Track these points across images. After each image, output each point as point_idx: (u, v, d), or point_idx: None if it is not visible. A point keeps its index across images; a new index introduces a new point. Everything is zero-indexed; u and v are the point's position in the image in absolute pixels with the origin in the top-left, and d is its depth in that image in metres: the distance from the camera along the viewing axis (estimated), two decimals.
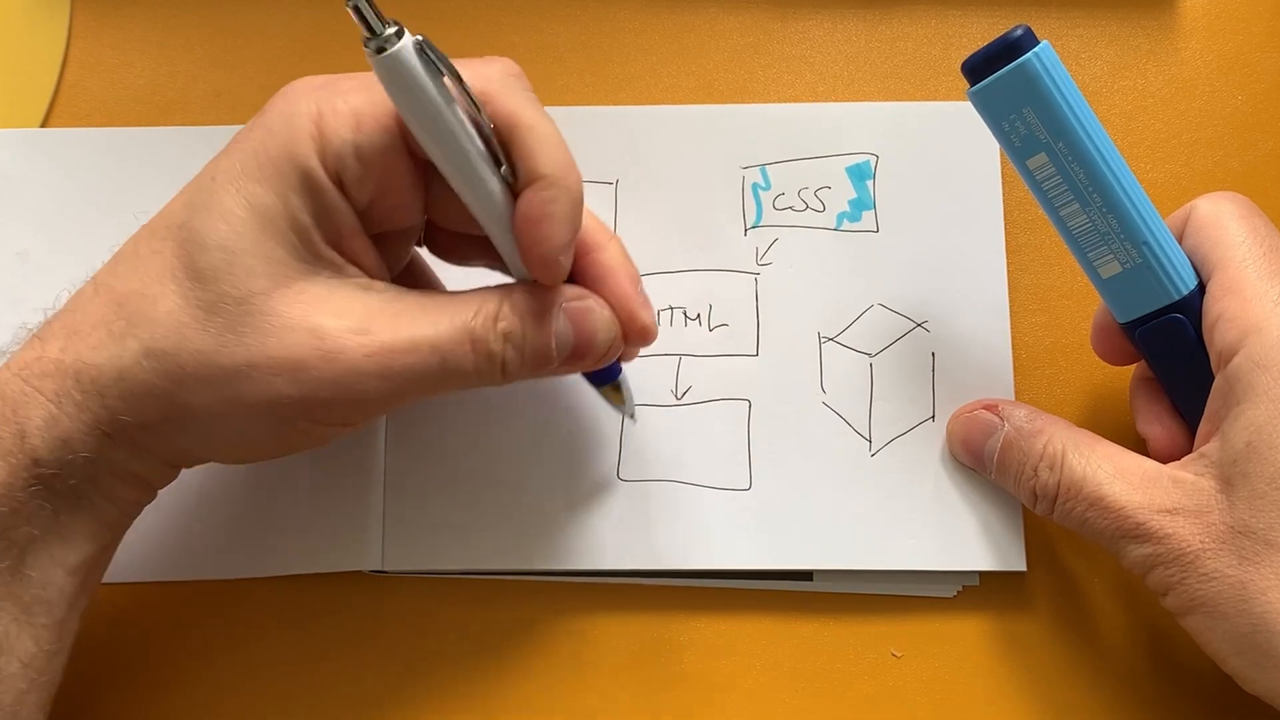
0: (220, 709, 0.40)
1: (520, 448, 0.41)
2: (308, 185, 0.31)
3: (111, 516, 0.33)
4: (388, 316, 0.32)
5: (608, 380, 0.38)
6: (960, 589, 0.40)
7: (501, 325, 0.33)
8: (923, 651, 0.40)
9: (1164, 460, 0.35)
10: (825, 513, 0.40)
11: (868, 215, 0.43)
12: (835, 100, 0.45)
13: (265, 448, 0.34)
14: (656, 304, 0.40)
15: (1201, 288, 0.35)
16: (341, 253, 0.33)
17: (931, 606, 0.40)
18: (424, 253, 0.39)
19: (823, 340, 0.42)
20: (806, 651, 0.40)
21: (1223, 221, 0.35)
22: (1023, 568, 0.39)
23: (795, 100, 0.45)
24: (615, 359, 0.36)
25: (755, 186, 0.43)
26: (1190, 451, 0.35)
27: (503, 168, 0.32)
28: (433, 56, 0.30)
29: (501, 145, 0.32)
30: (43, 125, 0.46)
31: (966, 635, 0.40)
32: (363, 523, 0.40)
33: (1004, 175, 0.43)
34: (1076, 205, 0.34)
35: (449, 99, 0.31)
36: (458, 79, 0.31)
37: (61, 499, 0.32)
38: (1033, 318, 0.43)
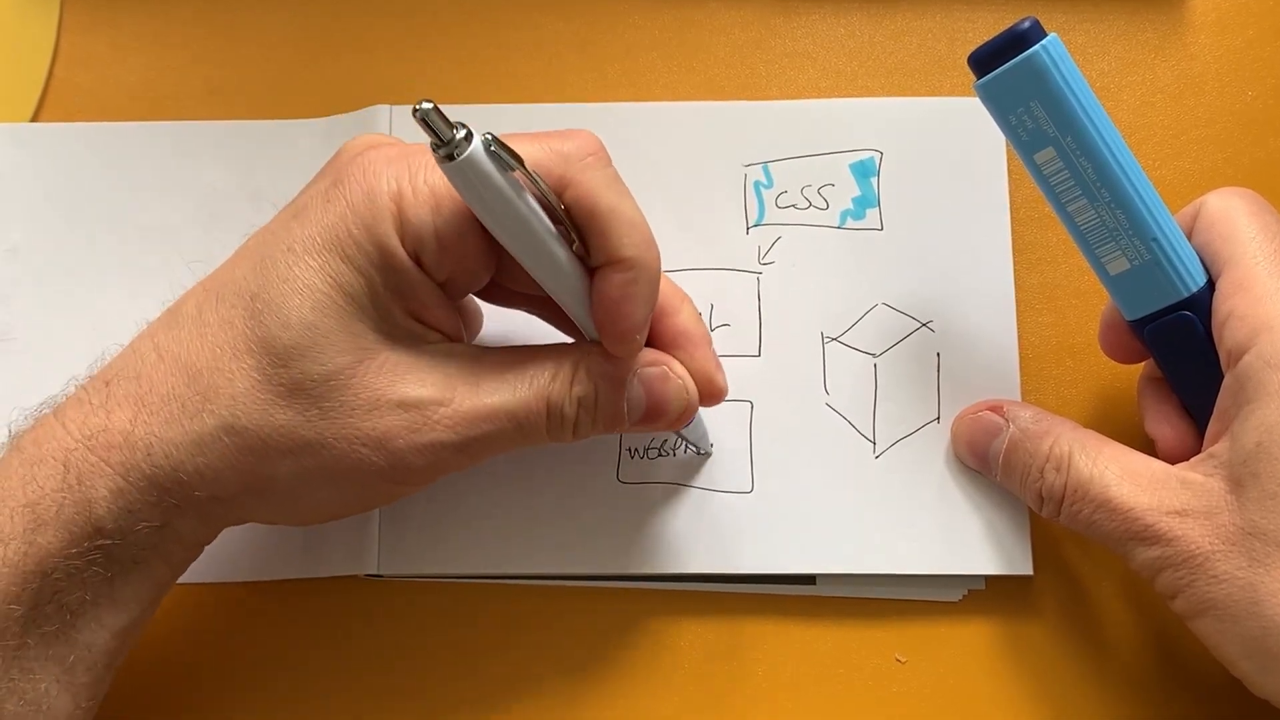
0: (214, 713, 0.40)
1: (522, 451, 0.38)
2: (389, 264, 0.31)
3: (164, 578, 0.34)
4: (468, 384, 0.32)
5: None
6: (965, 593, 0.40)
7: (576, 390, 0.33)
8: (927, 657, 0.39)
9: (1172, 461, 0.35)
10: (828, 516, 0.39)
11: (872, 213, 0.43)
12: (839, 96, 0.44)
13: (340, 510, 0.34)
14: None
15: (1211, 285, 0.35)
16: (422, 322, 0.33)
17: (936, 611, 0.40)
18: None
19: (826, 340, 0.41)
20: (808, 656, 0.39)
21: (1233, 217, 0.35)
22: (1029, 571, 0.39)
23: (798, 96, 0.44)
24: (688, 423, 0.36)
25: (757, 184, 0.43)
26: (1199, 452, 0.34)
27: (575, 245, 0.32)
28: (501, 153, 0.30)
29: (578, 226, 0.32)
30: (32, 120, 0.45)
31: (972, 640, 0.39)
32: (358, 527, 0.40)
33: (1010, 172, 0.42)
34: (1084, 201, 0.34)
35: (519, 190, 0.31)
36: (525, 171, 0.30)
37: (119, 565, 0.32)
38: (1039, 317, 0.42)
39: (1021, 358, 0.41)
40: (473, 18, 0.46)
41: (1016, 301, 0.41)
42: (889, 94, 0.44)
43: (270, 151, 0.43)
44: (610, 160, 0.33)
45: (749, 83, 0.45)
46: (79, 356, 0.39)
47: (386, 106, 0.44)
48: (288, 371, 0.31)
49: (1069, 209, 0.35)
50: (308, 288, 0.31)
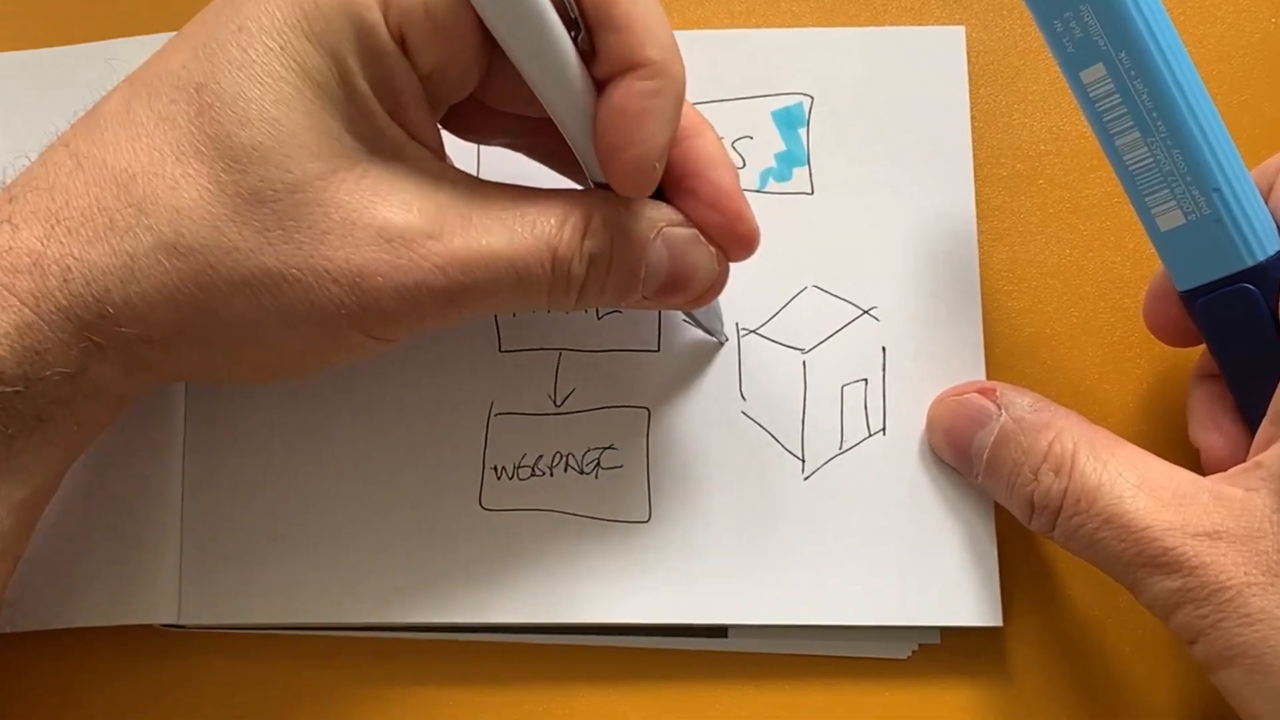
0: None
1: (355, 469, 0.37)
2: (367, 45, 0.29)
3: (74, 444, 0.31)
4: (459, 216, 0.30)
5: None
6: (916, 649, 0.37)
7: (589, 244, 0.31)
8: None
9: None
10: (744, 552, 0.37)
11: (800, 173, 0.39)
12: (759, 26, 0.41)
13: (298, 365, 0.32)
14: None
15: None
16: (402, 124, 0.30)
17: (879, 671, 0.37)
18: None
19: (742, 333, 0.38)
20: None
21: None
22: (997, 622, 0.36)
23: (707, 25, 0.41)
24: (711, 300, 0.34)
25: None
26: (1245, 462, 0.32)
27: (580, 38, 0.29)
28: None
29: (590, 19, 0.29)
30: None
31: (924, 707, 0.37)
32: (152, 563, 0.37)
33: (974, 120, 0.39)
34: (1136, 134, 0.32)
35: None
36: None
37: (20, 422, 0.29)
38: (1009, 301, 0.39)
39: (988, 353, 0.38)
40: None
41: (981, 282, 0.38)
42: (822, 23, 0.41)
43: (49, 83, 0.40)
44: None
45: None
46: None
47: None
48: (246, 178, 0.28)
49: (1116, 143, 0.32)
50: (268, 75, 0.28)
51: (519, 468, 0.37)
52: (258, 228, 0.28)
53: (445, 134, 0.34)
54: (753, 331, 0.38)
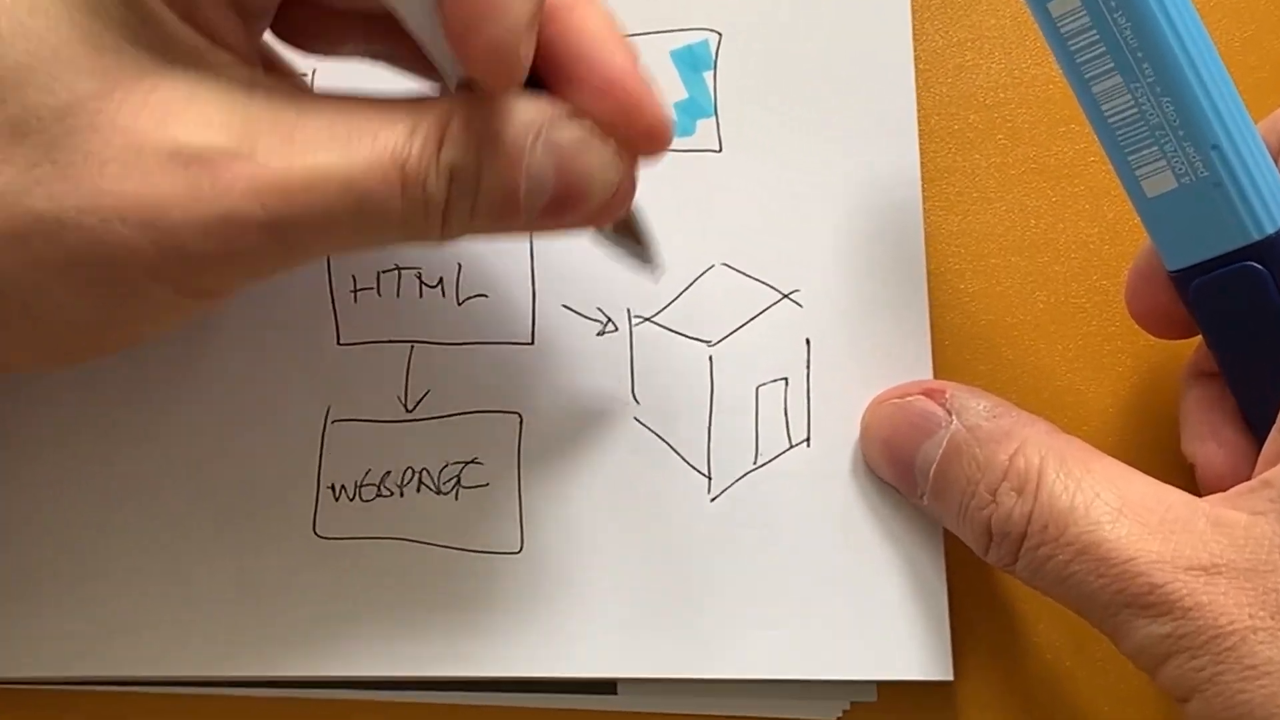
0: None
1: (165, 487, 0.34)
2: None
3: None
4: (278, 132, 0.27)
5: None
6: (848, 708, 0.34)
7: (447, 155, 0.27)
8: None
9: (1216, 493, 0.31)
10: (638, 590, 0.34)
11: (705, 126, 0.36)
12: None
13: (98, 339, 0.29)
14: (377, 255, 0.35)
15: None
16: (198, 27, 0.28)
17: None
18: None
19: (635, 320, 0.35)
20: None
21: None
22: (947, 676, 0.33)
23: None
24: (618, 213, 0.31)
25: None
26: (1251, 479, 0.31)
27: None
28: None
29: None
30: None
31: None
32: None
33: (919, 63, 0.36)
34: (1117, 79, 0.30)
35: None
36: None
37: None
38: (960, 282, 0.37)
39: (935, 345, 0.35)
40: None
41: (927, 260, 0.36)
42: None
43: None
44: None
45: None
46: None
47: None
48: (4, 107, 0.26)
49: (1093, 90, 0.31)
50: None
51: (361, 486, 0.34)
52: (22, 165, 0.26)
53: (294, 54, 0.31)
54: (648, 319, 0.35)
